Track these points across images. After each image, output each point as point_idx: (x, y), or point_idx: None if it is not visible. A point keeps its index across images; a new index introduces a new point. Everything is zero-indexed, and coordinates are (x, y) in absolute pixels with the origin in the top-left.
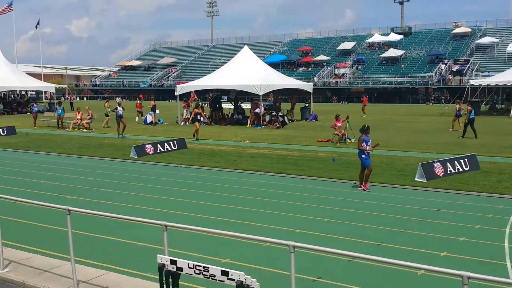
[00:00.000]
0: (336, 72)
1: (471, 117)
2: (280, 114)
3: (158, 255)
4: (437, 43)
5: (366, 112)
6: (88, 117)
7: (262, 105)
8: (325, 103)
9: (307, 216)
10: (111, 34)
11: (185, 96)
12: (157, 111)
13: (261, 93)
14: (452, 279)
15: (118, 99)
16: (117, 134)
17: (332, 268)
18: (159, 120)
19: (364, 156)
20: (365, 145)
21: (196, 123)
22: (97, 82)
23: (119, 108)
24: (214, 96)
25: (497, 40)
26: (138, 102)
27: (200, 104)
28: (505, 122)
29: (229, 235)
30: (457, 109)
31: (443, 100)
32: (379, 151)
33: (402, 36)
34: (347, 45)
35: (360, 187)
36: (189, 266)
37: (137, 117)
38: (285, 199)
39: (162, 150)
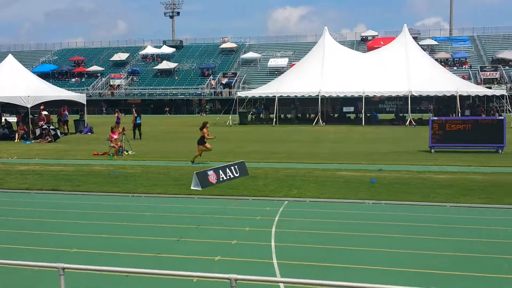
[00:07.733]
0: (111, 83)
1: (137, 122)
2: (52, 127)
3: None
4: (207, 56)
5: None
6: None
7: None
8: (100, 115)
9: (82, 234)
10: None
11: None
12: None
13: (29, 105)
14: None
15: None
16: None
17: (110, 286)
18: None
19: None
20: None
21: None
22: None
23: None
24: None
25: (260, 55)
26: None
27: None
28: (270, 130)
29: None
30: (116, 117)
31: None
32: (155, 162)
33: (174, 49)
34: (121, 56)
35: None
36: None
37: None
38: (58, 218)
39: None
